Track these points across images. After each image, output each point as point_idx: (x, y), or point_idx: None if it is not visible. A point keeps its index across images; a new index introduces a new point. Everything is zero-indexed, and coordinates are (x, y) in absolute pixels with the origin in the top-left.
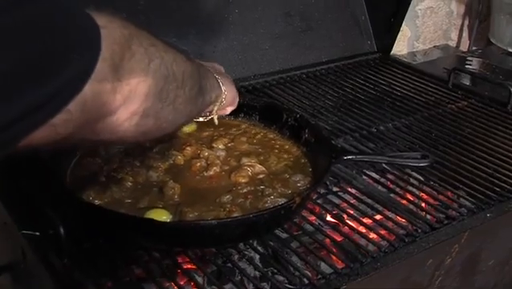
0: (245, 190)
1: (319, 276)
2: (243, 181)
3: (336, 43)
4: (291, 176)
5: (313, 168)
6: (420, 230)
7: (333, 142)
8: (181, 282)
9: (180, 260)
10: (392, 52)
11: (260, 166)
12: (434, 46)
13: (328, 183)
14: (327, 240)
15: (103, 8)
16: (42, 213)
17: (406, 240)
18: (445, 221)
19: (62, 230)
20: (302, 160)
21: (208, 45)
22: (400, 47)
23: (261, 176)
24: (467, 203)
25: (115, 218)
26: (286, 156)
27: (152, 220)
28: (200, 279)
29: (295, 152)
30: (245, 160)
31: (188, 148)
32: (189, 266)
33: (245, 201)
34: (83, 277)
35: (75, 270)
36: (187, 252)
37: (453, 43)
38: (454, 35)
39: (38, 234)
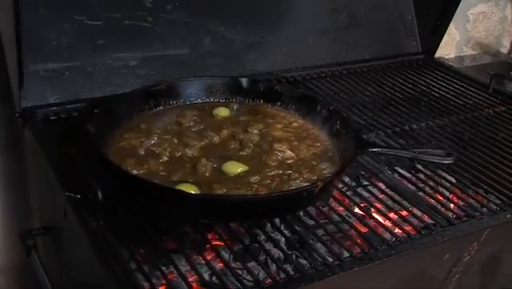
0: (273, 173)
1: (335, 259)
2: (272, 164)
3: (380, 42)
4: (319, 163)
5: (340, 158)
6: (438, 225)
7: (363, 136)
8: (209, 257)
9: (210, 236)
10: (439, 55)
11: (290, 152)
12: (484, 52)
13: (360, 177)
14: (353, 231)
15: None
16: (84, 179)
17: (423, 232)
18: (464, 219)
19: (100, 195)
20: (332, 151)
21: (254, 35)
22: (448, 51)
23: (289, 161)
24: (490, 204)
25: (147, 187)
26: (317, 144)
27: (180, 191)
28: (226, 255)
29: (326, 142)
30: (276, 146)
31: (224, 130)
32: (218, 242)
33: (271, 183)
34: (115, 239)
35: (108, 232)
36: (217, 229)
37: (505, 50)
38: (507, 42)
39: (79, 196)
